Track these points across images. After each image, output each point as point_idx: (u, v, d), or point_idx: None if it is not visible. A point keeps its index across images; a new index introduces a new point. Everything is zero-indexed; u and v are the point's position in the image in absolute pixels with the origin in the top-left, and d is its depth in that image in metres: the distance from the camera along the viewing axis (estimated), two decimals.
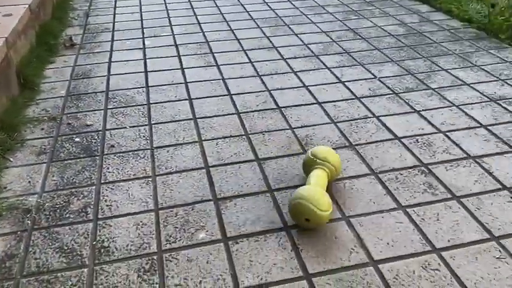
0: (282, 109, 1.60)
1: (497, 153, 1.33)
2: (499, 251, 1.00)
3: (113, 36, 2.31)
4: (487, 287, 0.92)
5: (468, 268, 0.96)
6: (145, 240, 1.06)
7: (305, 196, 1.05)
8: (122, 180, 1.26)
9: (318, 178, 1.14)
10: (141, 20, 2.53)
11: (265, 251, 1.02)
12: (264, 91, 1.73)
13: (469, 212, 1.11)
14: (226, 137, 1.44)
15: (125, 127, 1.51)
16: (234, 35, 2.29)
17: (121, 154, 1.37)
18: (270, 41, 2.20)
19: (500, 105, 1.58)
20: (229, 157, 1.34)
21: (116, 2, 2.82)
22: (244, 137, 1.44)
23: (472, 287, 0.92)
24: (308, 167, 1.19)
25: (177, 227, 1.09)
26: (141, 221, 1.11)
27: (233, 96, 1.69)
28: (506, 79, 1.76)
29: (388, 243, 1.03)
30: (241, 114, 1.57)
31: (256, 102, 1.65)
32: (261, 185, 1.23)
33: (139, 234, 1.08)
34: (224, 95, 1.70)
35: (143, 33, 2.34)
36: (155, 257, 1.01)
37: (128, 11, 2.66)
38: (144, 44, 2.21)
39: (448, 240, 1.03)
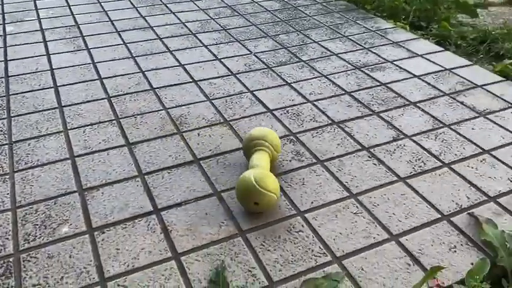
0: (156, 90, 1.56)
1: (358, 117, 1.42)
2: (356, 207, 1.08)
3: None
4: (344, 241, 0.99)
5: (329, 226, 1.03)
6: (0, 243, 0.97)
7: (252, 178, 1.02)
8: None
9: (260, 160, 1.12)
10: (2, 4, 2.29)
11: (133, 237, 0.99)
12: (137, 73, 1.67)
13: (331, 173, 1.18)
14: (95, 124, 1.37)
15: None
16: (108, 16, 2.17)
17: None
18: (146, 21, 2.12)
19: (363, 72, 1.69)
20: (97, 144, 1.28)
21: None
22: (114, 122, 1.38)
23: (332, 243, 0.98)
24: (249, 148, 1.17)
25: (37, 224, 1.02)
26: None
27: (104, 80, 1.61)
28: (370, 47, 1.89)
29: (258, 213, 1.06)
30: (111, 99, 1.50)
31: (129, 84, 1.58)
32: (131, 170, 1.19)
33: None
34: (94, 80, 1.61)
35: (4, 19, 2.12)
36: (11, 259, 0.94)
37: None
38: (4, 30, 2.00)
39: (312, 202, 1.09)
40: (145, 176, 1.17)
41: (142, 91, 1.55)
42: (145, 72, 1.67)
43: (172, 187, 1.13)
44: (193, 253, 0.96)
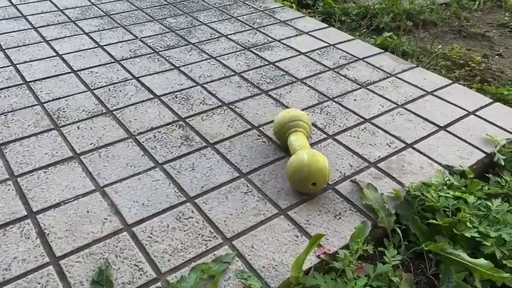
0: (30, 83, 1.42)
1: (248, 97, 1.42)
2: (247, 186, 1.08)
3: None
4: (235, 221, 0.98)
5: (219, 209, 1.01)
6: None
7: (308, 161, 1.01)
8: None
9: (303, 141, 1.10)
10: None
11: (3, 246, 0.90)
12: (7, 66, 1.51)
13: (222, 156, 1.17)
14: None
15: None
16: None
17: None
18: (18, 10, 1.93)
19: (252, 52, 1.69)
20: None
21: None
22: None
23: (222, 225, 0.97)
24: (284, 130, 1.15)
25: None
26: None
27: None
28: (258, 27, 1.89)
29: (143, 204, 1.01)
30: None
31: None
32: (0, 173, 1.07)
33: None
34: None
35: None
36: None
37: None
38: None
39: (202, 187, 1.07)
40: (18, 179, 1.06)
41: (13, 86, 1.40)
42: (17, 65, 1.52)
43: (49, 187, 1.04)
44: (73, 255, 0.89)
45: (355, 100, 1.42)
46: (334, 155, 1.18)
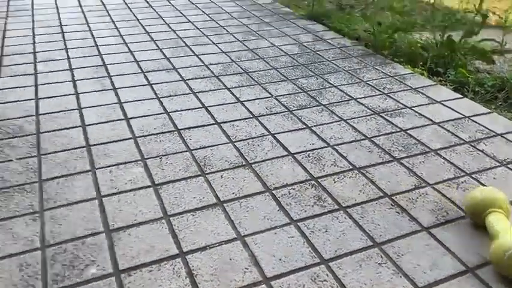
0: (181, 131, 1.60)
1: (379, 163, 1.44)
2: (381, 256, 1.08)
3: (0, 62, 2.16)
4: None
5: (353, 276, 1.03)
6: (30, 283, 0.99)
7: None
8: (4, 219, 1.17)
9: (504, 223, 1.09)
10: (34, 43, 2.39)
11: (158, 281, 1.00)
12: (162, 113, 1.72)
13: (354, 221, 1.19)
14: (121, 164, 1.40)
15: (11, 160, 1.41)
16: (133, 56, 2.25)
17: (5, 190, 1.28)
18: (170, 62, 2.20)
19: (383, 117, 1.72)
20: (123, 185, 1.31)
21: (5, 25, 2.65)
22: (140, 162, 1.42)
23: None
24: (483, 210, 1.14)
25: (65, 264, 1.04)
26: (25, 262, 1.04)
27: (130, 120, 1.66)
28: (388, 93, 1.92)
29: (280, 259, 1.07)
30: (137, 139, 1.54)
31: (154, 125, 1.63)
32: (156, 211, 1.21)
33: (23, 276, 1.00)
34: (120, 120, 1.66)
35: (35, 57, 2.22)
36: None
37: (18, 34, 2.51)
38: (35, 69, 2.09)
39: (336, 251, 1.10)
40: (171, 218, 1.19)
41: (167, 132, 1.59)
42: (170, 113, 1.72)
43: (197, 230, 1.15)
44: None
45: (494, 178, 1.36)
46: (475, 236, 1.14)
